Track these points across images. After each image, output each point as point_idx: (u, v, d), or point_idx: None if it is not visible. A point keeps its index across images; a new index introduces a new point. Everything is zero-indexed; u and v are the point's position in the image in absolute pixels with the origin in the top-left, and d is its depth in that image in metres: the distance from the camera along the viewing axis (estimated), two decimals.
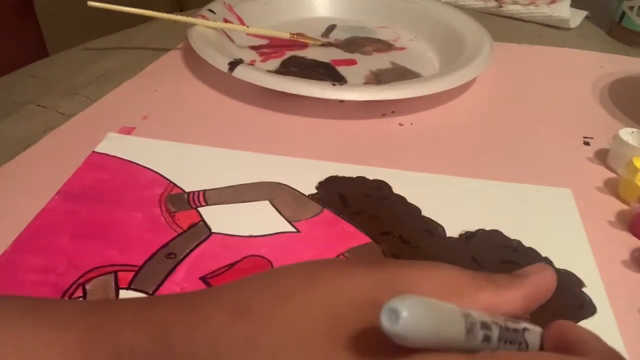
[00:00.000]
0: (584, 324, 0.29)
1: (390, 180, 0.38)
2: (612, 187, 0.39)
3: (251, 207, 0.35)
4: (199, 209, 0.35)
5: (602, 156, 0.43)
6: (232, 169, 0.38)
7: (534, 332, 0.19)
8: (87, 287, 0.29)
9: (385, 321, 0.14)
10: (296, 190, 0.37)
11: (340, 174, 0.38)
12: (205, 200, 0.35)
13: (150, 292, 0.29)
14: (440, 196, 0.37)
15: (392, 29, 0.62)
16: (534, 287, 0.20)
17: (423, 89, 0.45)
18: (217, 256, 0.31)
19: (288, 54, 0.56)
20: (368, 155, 0.41)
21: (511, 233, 0.34)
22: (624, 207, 0.38)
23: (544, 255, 0.33)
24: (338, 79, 0.51)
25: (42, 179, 0.36)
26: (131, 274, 0.30)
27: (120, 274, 0.30)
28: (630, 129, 0.41)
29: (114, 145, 0.40)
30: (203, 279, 0.30)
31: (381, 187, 0.38)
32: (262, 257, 0.32)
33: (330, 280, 0.18)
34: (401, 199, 0.37)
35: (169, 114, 0.45)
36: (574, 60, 0.59)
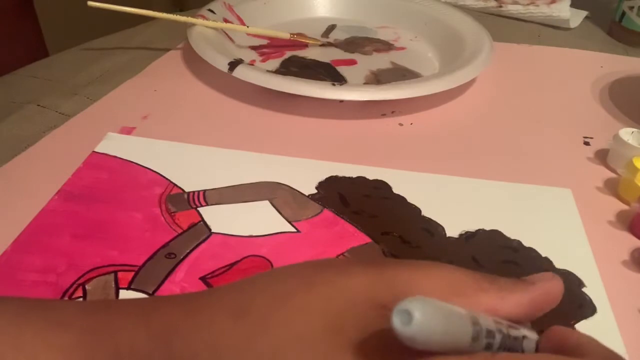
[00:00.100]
0: (584, 323, 0.29)
1: (390, 180, 0.38)
2: (612, 187, 0.39)
3: (251, 207, 0.35)
4: (199, 209, 0.35)
5: (602, 156, 0.43)
6: (232, 169, 0.38)
7: (530, 340, 0.19)
8: (87, 287, 0.29)
9: (397, 322, 0.14)
10: (296, 190, 0.37)
11: (340, 174, 0.38)
12: (205, 200, 0.35)
13: (150, 292, 0.29)
14: (440, 196, 0.37)
15: (392, 29, 0.62)
16: (542, 293, 0.19)
17: (423, 89, 0.45)
18: (217, 256, 0.31)
19: (288, 54, 0.56)
20: (368, 155, 0.41)
21: (511, 233, 0.34)
22: (624, 207, 0.38)
23: (544, 255, 0.33)
24: (338, 79, 0.51)
25: (42, 179, 0.36)
26: (131, 274, 0.30)
27: (120, 274, 0.30)
28: (630, 129, 0.41)
29: (114, 145, 0.40)
30: (203, 279, 0.30)
31: (381, 187, 0.38)
32: (262, 257, 0.32)
33: (330, 280, 0.18)
34: (401, 199, 0.37)
35: (168, 114, 0.45)
36: (573, 60, 0.59)
